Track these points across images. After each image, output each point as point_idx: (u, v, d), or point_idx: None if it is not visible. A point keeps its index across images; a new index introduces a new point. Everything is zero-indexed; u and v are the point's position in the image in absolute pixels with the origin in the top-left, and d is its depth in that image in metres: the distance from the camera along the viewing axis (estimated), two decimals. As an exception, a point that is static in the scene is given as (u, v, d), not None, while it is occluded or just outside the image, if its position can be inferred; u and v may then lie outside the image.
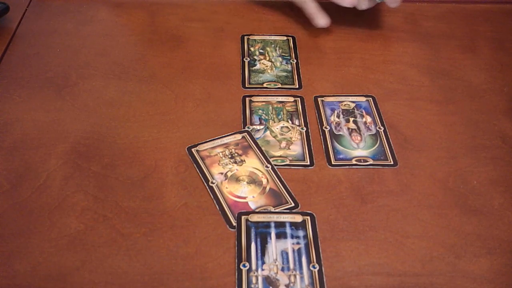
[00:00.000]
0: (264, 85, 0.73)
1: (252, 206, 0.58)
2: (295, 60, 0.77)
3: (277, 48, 0.79)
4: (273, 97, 0.71)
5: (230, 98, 0.71)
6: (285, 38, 0.81)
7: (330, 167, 0.63)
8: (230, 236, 0.55)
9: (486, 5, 0.89)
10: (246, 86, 0.73)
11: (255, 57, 0.77)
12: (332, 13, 0.81)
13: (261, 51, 0.78)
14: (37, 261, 0.53)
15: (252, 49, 0.78)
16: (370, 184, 0.61)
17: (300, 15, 0.83)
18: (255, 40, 0.81)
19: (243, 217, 0.56)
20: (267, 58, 0.78)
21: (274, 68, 0.76)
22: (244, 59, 0.77)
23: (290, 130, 0.67)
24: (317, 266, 0.52)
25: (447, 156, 0.65)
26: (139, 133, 0.66)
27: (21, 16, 0.84)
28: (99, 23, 0.84)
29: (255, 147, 0.64)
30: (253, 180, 0.61)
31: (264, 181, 0.61)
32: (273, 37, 0.81)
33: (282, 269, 0.52)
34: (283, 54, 0.78)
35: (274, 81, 0.74)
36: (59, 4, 0.87)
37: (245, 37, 0.81)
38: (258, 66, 0.76)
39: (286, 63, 0.77)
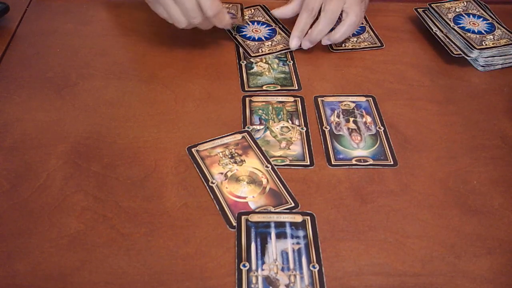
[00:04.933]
0: (264, 87, 0.73)
1: (252, 206, 0.58)
2: (292, 61, 0.77)
3: None
4: (273, 97, 0.71)
5: (230, 98, 0.71)
6: None
7: (330, 167, 0.63)
8: (230, 236, 0.55)
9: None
10: (246, 89, 0.73)
11: (252, 59, 0.77)
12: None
13: None
14: (37, 261, 0.53)
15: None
16: (370, 184, 0.61)
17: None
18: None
19: (243, 217, 0.56)
20: (264, 61, 0.77)
21: (272, 70, 0.76)
22: (241, 62, 0.77)
23: (290, 130, 0.67)
24: (317, 266, 0.52)
25: (447, 156, 0.65)
26: (139, 133, 0.66)
27: (21, 16, 0.84)
28: (99, 23, 0.84)
29: (255, 147, 0.64)
30: (253, 180, 0.61)
31: (264, 181, 0.60)
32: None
33: (282, 269, 0.52)
34: (279, 56, 0.78)
35: (273, 83, 0.74)
36: (59, 4, 0.87)
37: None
38: (255, 68, 0.76)
39: (283, 64, 0.77)
